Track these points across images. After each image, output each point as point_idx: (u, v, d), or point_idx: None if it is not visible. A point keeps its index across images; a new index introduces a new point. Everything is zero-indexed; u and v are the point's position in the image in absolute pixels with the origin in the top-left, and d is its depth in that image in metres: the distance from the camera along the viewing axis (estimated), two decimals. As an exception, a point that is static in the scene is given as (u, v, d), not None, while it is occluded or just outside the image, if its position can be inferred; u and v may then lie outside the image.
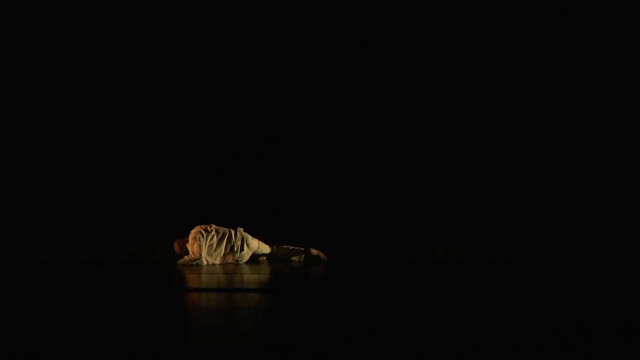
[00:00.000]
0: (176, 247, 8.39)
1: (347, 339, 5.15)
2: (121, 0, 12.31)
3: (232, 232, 8.38)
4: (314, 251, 8.80)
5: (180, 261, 8.22)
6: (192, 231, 8.35)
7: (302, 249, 8.79)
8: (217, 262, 8.32)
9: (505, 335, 5.32)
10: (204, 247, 8.15)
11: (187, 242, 8.31)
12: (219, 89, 12.62)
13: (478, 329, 5.48)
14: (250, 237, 8.51)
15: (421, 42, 12.65)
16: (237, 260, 8.38)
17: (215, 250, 8.26)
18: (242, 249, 8.41)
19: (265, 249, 8.66)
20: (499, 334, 5.37)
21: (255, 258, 8.61)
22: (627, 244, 10.60)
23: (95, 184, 12.45)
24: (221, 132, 12.68)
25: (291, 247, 8.78)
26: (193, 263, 8.15)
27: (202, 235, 8.22)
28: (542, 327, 5.48)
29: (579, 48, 12.55)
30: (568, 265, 8.79)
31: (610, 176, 12.53)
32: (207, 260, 8.18)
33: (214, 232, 8.27)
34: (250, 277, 7.73)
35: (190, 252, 8.21)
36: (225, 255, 8.32)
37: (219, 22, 12.48)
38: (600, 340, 5.20)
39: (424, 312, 6.14)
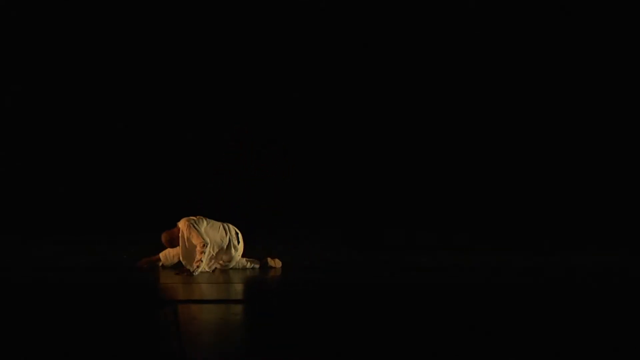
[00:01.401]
0: (164, 239, 8.14)
1: (341, 344, 5.17)
2: (121, 1, 12.30)
3: (224, 225, 8.17)
4: (271, 261, 8.52)
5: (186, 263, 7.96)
6: (180, 222, 8.05)
7: (257, 260, 8.48)
8: (214, 264, 8.04)
9: (499, 340, 5.32)
10: (203, 234, 7.87)
11: (176, 234, 8.01)
12: (219, 89, 12.62)
13: (473, 334, 5.49)
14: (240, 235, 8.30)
15: (421, 42, 12.64)
16: (226, 264, 8.15)
17: (212, 238, 7.98)
18: (238, 242, 8.17)
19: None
20: (490, 339, 5.37)
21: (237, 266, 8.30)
22: (628, 246, 10.59)
23: (94, 184, 12.43)
24: (221, 132, 12.68)
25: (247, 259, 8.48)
26: (192, 272, 7.83)
27: (196, 223, 7.95)
28: (541, 332, 5.48)
29: (579, 50, 12.56)
30: (567, 268, 8.79)
31: (610, 180, 12.55)
32: (206, 266, 7.93)
33: (204, 222, 8.06)
34: (244, 286, 7.67)
35: (183, 244, 7.88)
36: (224, 251, 8.03)
37: (219, 23, 12.47)
38: (599, 342, 5.21)
39: (418, 316, 6.14)
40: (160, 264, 8.34)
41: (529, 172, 12.71)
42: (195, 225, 7.96)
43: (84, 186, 12.40)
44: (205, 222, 8.08)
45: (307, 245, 10.77)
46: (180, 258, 8.09)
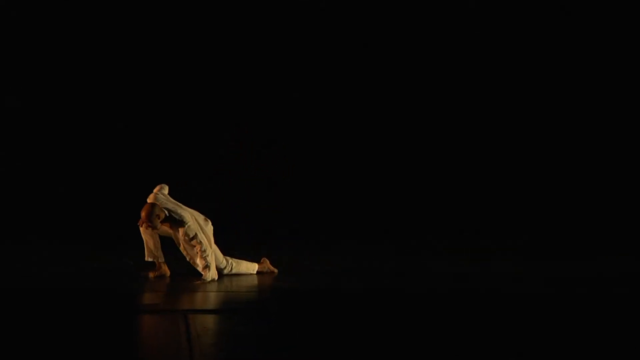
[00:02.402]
0: (143, 213, 7.91)
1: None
2: (121, 1, 12.29)
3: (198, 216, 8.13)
4: (268, 265, 8.43)
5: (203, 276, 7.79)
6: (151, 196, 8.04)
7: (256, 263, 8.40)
8: (211, 258, 7.89)
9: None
10: (201, 238, 7.76)
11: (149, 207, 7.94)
12: (219, 89, 12.61)
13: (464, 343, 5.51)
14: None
15: (421, 42, 12.63)
16: (221, 268, 8.03)
17: (196, 218, 7.92)
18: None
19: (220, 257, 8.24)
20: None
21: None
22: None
23: (93, 184, 12.41)
24: (221, 132, 12.68)
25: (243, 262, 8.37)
26: (204, 279, 7.69)
27: (188, 223, 7.79)
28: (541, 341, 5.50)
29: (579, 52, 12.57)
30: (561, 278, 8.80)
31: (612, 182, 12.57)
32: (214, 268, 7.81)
33: (178, 206, 8.00)
34: (248, 294, 7.64)
35: (178, 239, 7.74)
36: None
37: (219, 23, 12.46)
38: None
39: (420, 322, 6.16)
40: (166, 270, 8.22)
41: (531, 174, 12.72)
42: (194, 230, 7.88)
43: (84, 187, 12.38)
44: (187, 212, 8.05)
45: (307, 247, 10.78)
46: (181, 250, 8.00)
